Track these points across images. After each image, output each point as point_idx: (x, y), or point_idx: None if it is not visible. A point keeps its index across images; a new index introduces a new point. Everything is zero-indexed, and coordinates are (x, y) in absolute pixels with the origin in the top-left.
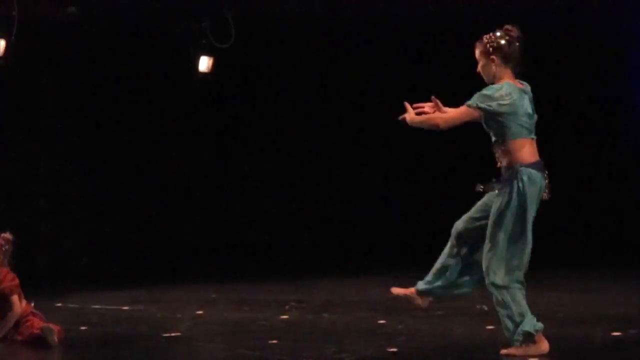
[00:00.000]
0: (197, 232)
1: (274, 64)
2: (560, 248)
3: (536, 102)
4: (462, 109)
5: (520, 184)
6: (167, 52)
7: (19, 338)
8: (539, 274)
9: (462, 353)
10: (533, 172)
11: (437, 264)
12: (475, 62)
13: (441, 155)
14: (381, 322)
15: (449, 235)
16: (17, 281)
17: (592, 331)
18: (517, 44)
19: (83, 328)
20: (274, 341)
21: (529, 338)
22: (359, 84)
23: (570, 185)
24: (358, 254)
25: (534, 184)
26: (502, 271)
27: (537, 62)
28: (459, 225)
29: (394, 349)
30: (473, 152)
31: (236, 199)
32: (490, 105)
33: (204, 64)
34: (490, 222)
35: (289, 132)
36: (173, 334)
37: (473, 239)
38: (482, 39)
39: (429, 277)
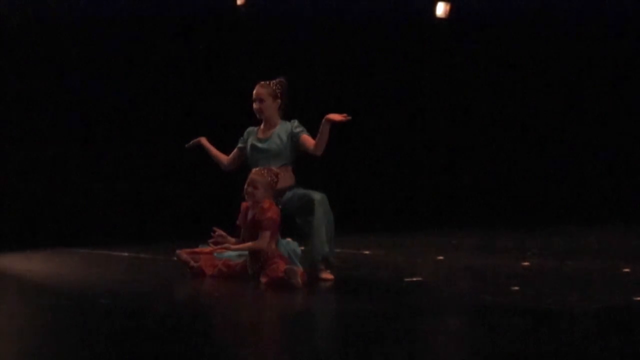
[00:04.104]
0: (436, 177)
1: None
2: None
3: None
4: None
5: None
6: None
7: (264, 280)
8: None
9: None
10: None
11: None
12: None
13: None
14: (626, 270)
15: None
16: (277, 218)
17: None
18: None
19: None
20: (516, 288)
21: None
22: None
23: None
24: (597, 202)
25: None
26: None
27: None
28: None
29: None
30: None
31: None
32: None
33: (441, 9)
34: None
35: (524, 78)
36: (414, 279)
37: None
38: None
39: None
